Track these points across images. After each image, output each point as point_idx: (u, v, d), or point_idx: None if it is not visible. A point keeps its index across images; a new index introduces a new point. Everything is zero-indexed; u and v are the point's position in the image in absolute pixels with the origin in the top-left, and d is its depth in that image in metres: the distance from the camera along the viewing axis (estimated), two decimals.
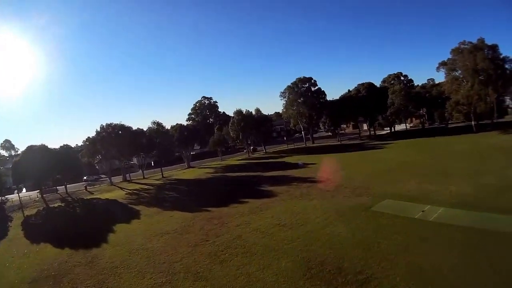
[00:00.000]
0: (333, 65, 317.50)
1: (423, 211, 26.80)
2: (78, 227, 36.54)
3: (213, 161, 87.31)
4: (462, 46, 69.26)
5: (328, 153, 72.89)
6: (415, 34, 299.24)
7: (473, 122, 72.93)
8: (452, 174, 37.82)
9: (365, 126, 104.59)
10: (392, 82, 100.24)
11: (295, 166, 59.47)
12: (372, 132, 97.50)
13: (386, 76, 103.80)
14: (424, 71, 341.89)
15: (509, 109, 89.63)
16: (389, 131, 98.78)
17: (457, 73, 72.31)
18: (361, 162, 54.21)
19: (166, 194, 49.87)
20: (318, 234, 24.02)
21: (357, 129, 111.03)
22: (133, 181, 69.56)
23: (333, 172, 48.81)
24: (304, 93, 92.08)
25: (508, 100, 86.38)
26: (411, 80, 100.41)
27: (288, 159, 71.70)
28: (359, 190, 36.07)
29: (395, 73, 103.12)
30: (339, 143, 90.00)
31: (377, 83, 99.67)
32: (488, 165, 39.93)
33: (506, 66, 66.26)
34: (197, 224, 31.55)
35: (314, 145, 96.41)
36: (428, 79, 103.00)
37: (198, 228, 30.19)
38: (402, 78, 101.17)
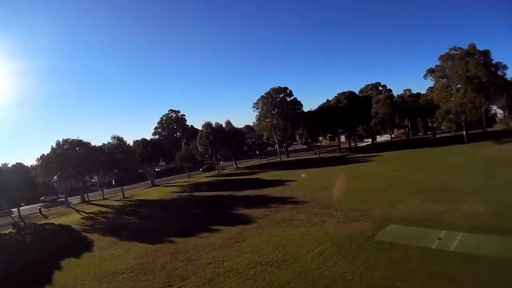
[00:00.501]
0: (308, 75, 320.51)
1: (439, 238, 23.34)
2: (22, 262, 32.88)
3: (180, 179, 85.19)
4: (452, 52, 69.90)
5: (307, 168, 70.53)
6: (392, 45, 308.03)
7: (464, 132, 73.15)
8: (457, 190, 35.70)
9: (342, 138, 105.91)
10: (369, 92, 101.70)
11: (271, 183, 56.95)
12: (353, 144, 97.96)
13: (364, 86, 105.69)
14: (401, 81, 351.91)
15: (497, 118, 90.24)
16: (370, 142, 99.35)
17: (445, 80, 73.12)
18: (348, 178, 51.53)
19: (125, 219, 46.81)
20: (315, 276, 19.85)
21: (334, 141, 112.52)
22: (91, 202, 66.84)
23: (318, 191, 45.97)
24: (279, 103, 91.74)
25: (494, 108, 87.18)
26: (390, 90, 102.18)
27: (262, 175, 69.29)
28: (353, 213, 32.58)
29: (373, 83, 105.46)
30: (317, 156, 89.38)
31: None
32: (493, 179, 38.16)
33: (499, 72, 67.45)
34: (158, 261, 27.11)
35: (290, 159, 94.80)
36: (404, 90, 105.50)
37: (159, 267, 25.73)
38: (380, 88, 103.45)
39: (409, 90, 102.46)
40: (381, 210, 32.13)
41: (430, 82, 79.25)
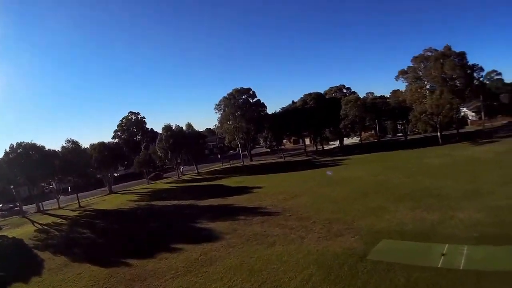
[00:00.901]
0: (272, 77, 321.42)
1: (443, 254, 20.98)
2: None
3: (139, 185, 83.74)
4: (427, 53, 71.26)
5: (274, 173, 69.04)
6: (355, 47, 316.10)
7: (438, 133, 74.36)
8: (445, 196, 34.26)
9: (307, 141, 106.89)
10: (333, 95, 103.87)
11: (236, 191, 54.71)
12: (319, 147, 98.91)
13: (328, 89, 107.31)
14: (365, 84, 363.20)
15: (469, 120, 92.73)
16: (337, 145, 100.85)
17: (419, 82, 74.46)
18: (321, 184, 49.72)
19: (80, 233, 44.35)
20: None
21: (298, 144, 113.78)
22: (47, 212, 64.69)
23: (289, 199, 43.45)
24: (242, 105, 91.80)
25: (464, 110, 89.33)
26: (354, 92, 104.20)
27: (226, 182, 67.12)
28: (335, 225, 29.88)
29: (338, 85, 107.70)
30: (282, 160, 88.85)
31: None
32: (480, 182, 37.62)
33: (475, 74, 69.94)
34: None
35: (254, 163, 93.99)
36: (367, 92, 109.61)
37: None
38: (344, 90, 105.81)
39: (372, 93, 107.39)
40: (367, 222, 29.62)
41: (394, 85, 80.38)
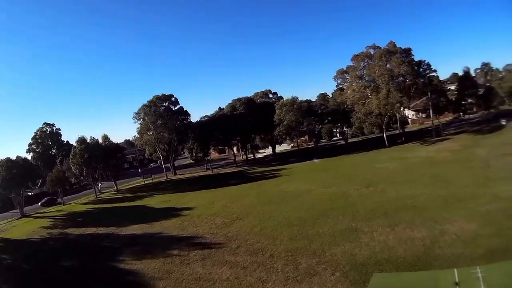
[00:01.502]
0: (196, 84, 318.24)
1: (457, 284, 16.54)
2: None
3: (54, 206, 78.43)
4: (370, 50, 72.15)
5: (204, 189, 63.60)
6: (280, 52, 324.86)
7: (384, 135, 74.98)
8: (423, 207, 31.54)
9: (235, 150, 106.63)
10: (258, 100, 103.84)
11: (164, 213, 49.22)
12: (250, 156, 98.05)
13: (253, 94, 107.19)
14: (289, 88, 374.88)
15: (409, 119, 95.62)
16: (269, 153, 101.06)
17: (362, 81, 74.73)
18: (264, 202, 45.01)
19: None
20: None
21: (224, 154, 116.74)
22: None
23: (230, 223, 38.13)
24: (163, 113, 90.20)
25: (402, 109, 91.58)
26: (281, 97, 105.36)
27: (150, 201, 61.81)
28: (302, 259, 25.35)
29: (264, 90, 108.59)
30: (211, 172, 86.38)
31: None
32: (455, 186, 35.99)
33: (421, 70, 72.12)
34: None
35: (179, 177, 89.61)
36: (293, 96, 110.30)
37: None
38: (271, 95, 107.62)
39: (297, 98, 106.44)
40: (342, 250, 25.24)
41: (321, 88, 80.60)
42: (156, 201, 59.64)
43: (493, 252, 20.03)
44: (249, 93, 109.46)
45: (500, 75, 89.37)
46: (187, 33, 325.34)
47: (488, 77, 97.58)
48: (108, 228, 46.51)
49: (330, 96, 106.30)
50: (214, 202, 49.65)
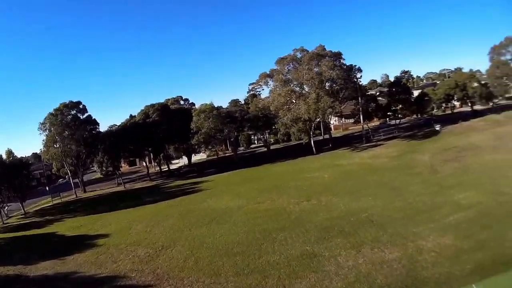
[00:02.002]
0: (104, 90, 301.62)
1: None
2: None
3: None
4: (297, 53, 71.84)
5: (118, 209, 56.05)
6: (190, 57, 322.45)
7: (312, 141, 74.49)
8: (383, 221, 29.55)
9: (147, 161, 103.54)
10: (173, 107, 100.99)
11: (76, 243, 41.10)
12: (165, 168, 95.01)
13: (164, 100, 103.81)
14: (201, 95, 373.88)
15: (332, 125, 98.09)
16: (184, 164, 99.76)
17: (284, 86, 73.71)
18: (191, 223, 39.59)
19: None
20: None
21: (134, 166, 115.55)
22: None
23: (158, 254, 31.91)
24: (70, 123, 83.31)
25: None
26: (193, 104, 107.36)
27: (60, 227, 52.90)
28: None
29: (175, 97, 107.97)
30: (123, 188, 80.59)
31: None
32: (409, 195, 35.09)
33: (351, 75, 73.02)
34: None
35: (89, 194, 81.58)
36: (201, 104, 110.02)
37: None
38: (182, 102, 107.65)
39: (211, 103, 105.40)
40: (309, 284, 21.36)
41: (232, 94, 79.15)
42: (67, 227, 51.49)
43: (483, 267, 19.47)
44: (161, 100, 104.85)
45: (421, 82, 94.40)
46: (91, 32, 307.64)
47: (409, 84, 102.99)
48: (15, 266, 37.42)
49: (243, 102, 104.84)
50: (131, 226, 43.23)
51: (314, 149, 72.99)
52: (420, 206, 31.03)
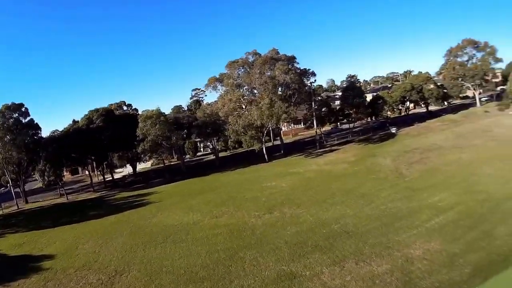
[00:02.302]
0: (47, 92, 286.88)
1: None
2: None
3: None
4: (249, 57, 71.28)
5: (63, 224, 50.79)
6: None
7: (264, 148, 72.77)
8: (360, 232, 28.30)
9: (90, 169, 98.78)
10: (117, 112, 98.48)
11: (20, 268, 35.74)
12: (108, 177, 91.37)
13: (107, 105, 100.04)
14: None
15: (281, 130, 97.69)
16: (128, 173, 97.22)
17: (241, 90, 73.41)
18: (144, 242, 35.74)
19: None
20: None
21: (77, 175, 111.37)
22: None
23: (112, 281, 27.93)
24: (12, 127, 79.16)
25: None
26: (137, 110, 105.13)
27: (2, 245, 46.57)
28: None
29: (118, 102, 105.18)
30: (66, 200, 76.20)
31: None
32: (380, 202, 34.53)
33: (305, 80, 73.29)
34: None
35: (31, 205, 75.47)
36: (143, 111, 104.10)
37: None
38: (125, 107, 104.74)
39: (158, 109, 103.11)
40: None
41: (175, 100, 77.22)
42: (8, 245, 45.31)
43: (481, 269, 19.64)
44: (104, 105, 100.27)
45: (369, 87, 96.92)
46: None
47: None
48: None
49: (185, 108, 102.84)
50: (78, 245, 38.56)
51: (266, 156, 71.98)
52: (396, 212, 30.45)
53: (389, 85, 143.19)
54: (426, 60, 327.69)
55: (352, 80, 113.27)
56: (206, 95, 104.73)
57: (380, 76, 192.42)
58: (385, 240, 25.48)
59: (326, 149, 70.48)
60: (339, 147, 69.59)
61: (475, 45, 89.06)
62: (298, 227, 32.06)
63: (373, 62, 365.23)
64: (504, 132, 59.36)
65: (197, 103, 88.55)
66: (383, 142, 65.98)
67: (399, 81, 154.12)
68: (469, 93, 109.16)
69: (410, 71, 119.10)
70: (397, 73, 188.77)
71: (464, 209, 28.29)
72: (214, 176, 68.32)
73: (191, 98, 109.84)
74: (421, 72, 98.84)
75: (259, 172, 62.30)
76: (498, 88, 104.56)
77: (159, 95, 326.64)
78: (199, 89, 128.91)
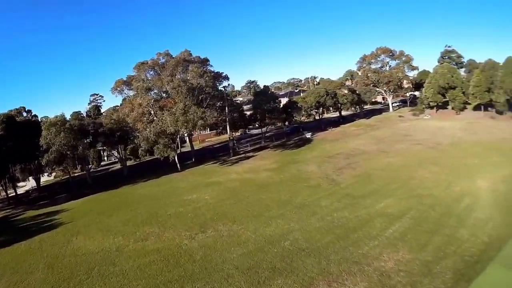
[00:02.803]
0: None
1: None
2: None
3: None
4: (161, 58, 69.46)
5: None
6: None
7: (176, 157, 69.98)
8: (312, 247, 27.55)
9: None
10: (5, 120, 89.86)
11: None
12: (11, 192, 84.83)
13: (7, 111, 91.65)
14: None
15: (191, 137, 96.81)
16: (32, 187, 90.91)
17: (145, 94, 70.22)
18: (67, 280, 30.28)
19: None
20: None
21: None
22: None
23: None
24: None
25: None
26: (36, 116, 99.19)
27: None
28: None
29: (18, 107, 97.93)
30: None
31: None
32: (323, 211, 34.53)
33: (218, 84, 73.72)
34: None
35: None
36: (42, 117, 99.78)
37: None
38: (25, 113, 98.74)
39: (62, 115, 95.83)
40: None
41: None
42: None
43: (462, 272, 20.47)
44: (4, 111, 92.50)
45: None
46: None
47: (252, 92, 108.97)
48: None
49: (84, 114, 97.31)
50: None
51: (178, 165, 69.07)
52: (346, 223, 29.86)
53: (296, 90, 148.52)
54: (332, 67, 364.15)
55: (251, 85, 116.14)
56: (104, 101, 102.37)
57: (281, 82, 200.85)
58: (348, 255, 24.58)
59: (241, 156, 69.72)
60: (255, 154, 69.24)
61: (390, 53, 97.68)
62: (243, 247, 29.52)
63: (272, 67, 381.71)
64: (425, 137, 64.49)
65: (96, 108, 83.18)
66: (300, 147, 66.80)
67: (305, 87, 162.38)
68: (378, 98, 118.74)
69: (315, 77, 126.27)
70: (298, 79, 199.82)
71: (417, 214, 28.79)
72: (125, 188, 63.79)
73: (89, 104, 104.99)
74: (322, 78, 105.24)
75: (174, 183, 59.16)
76: (408, 94, 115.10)
77: (56, 100, 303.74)
78: (97, 94, 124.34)
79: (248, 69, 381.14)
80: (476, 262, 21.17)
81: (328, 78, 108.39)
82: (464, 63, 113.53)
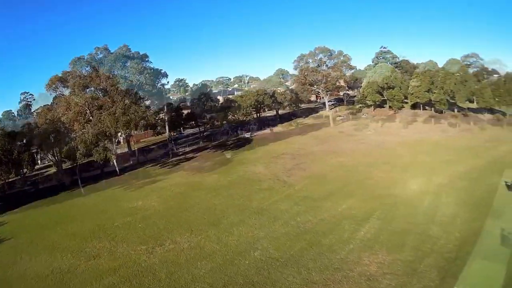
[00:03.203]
0: None
1: None
2: None
3: None
4: (98, 53, 68.80)
5: None
6: None
7: (115, 162, 66.72)
8: (291, 257, 26.78)
9: None
10: None
11: None
12: None
13: None
14: None
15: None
16: None
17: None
18: None
19: None
20: None
21: None
22: None
23: None
24: None
25: None
26: None
27: None
28: None
29: None
30: None
31: None
32: (281, 213, 34.99)
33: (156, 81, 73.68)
34: None
35: None
36: None
37: None
38: None
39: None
40: None
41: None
42: None
43: (446, 268, 21.55)
44: None
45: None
46: None
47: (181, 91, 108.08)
48: None
49: (16, 114, 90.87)
50: None
51: (117, 169, 65.24)
52: (313, 227, 29.84)
53: (229, 89, 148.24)
54: (261, 66, 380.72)
55: (180, 84, 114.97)
56: (34, 99, 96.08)
57: (209, 80, 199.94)
58: (327, 261, 24.45)
59: (181, 157, 67.75)
60: (195, 155, 67.57)
61: (329, 53, 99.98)
62: (210, 261, 27.76)
63: (199, 66, 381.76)
64: (369, 136, 66.94)
65: (27, 107, 77.89)
66: (241, 148, 66.25)
67: (236, 85, 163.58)
68: (313, 97, 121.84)
69: (246, 75, 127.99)
70: (227, 77, 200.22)
71: (382, 215, 29.57)
72: (64, 195, 58.36)
73: (20, 102, 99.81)
74: (252, 77, 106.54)
75: (116, 189, 55.62)
76: (342, 93, 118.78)
77: None
78: (27, 93, 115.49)
79: (175, 67, 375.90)
80: (456, 258, 22.29)
81: (257, 77, 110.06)
82: (399, 63, 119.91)
